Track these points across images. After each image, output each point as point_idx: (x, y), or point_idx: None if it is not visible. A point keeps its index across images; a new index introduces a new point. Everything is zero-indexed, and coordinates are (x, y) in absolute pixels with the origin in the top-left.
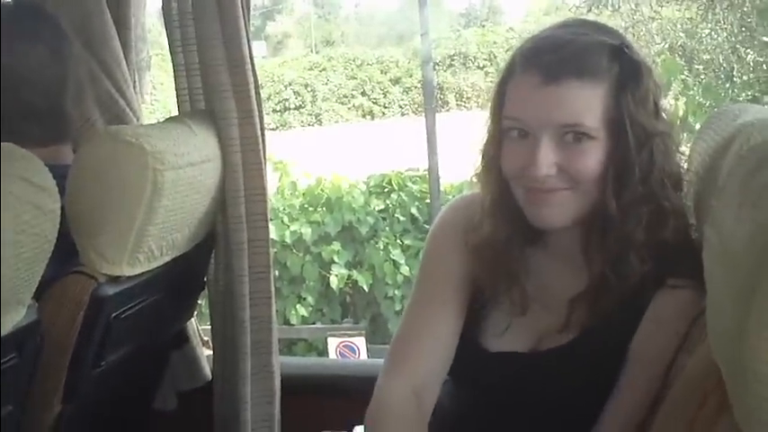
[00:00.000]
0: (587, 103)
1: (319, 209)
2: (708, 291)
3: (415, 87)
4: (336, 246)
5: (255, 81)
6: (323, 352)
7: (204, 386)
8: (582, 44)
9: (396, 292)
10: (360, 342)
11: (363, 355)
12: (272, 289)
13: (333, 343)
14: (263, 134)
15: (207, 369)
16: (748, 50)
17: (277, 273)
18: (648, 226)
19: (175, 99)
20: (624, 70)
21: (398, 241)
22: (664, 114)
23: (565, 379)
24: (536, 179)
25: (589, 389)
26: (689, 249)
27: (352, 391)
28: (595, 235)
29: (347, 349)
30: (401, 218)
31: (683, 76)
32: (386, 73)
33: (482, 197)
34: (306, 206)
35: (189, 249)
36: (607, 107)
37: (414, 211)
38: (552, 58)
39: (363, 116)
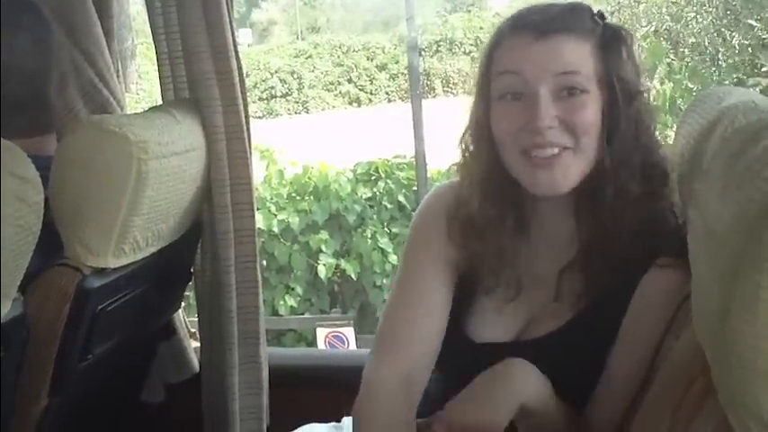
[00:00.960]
0: (579, 54)
1: (306, 197)
2: (693, 273)
3: (402, 74)
4: (324, 234)
5: (240, 68)
6: (312, 342)
7: (192, 378)
8: (565, 6)
9: (384, 280)
10: (348, 332)
11: (352, 346)
12: (259, 278)
13: (321, 333)
14: (247, 122)
15: (194, 360)
16: (733, 33)
17: (265, 263)
18: (641, 178)
19: (158, 88)
20: (606, 32)
21: (386, 229)
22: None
23: (552, 366)
24: (538, 131)
25: (575, 376)
26: (677, 230)
27: (340, 382)
28: (586, 199)
29: (336, 339)
30: (388, 205)
31: (668, 60)
32: (372, 59)
33: (468, 180)
34: (293, 195)
35: (175, 240)
36: (595, 63)
37: (401, 198)
38: (540, 17)
39: (350, 103)
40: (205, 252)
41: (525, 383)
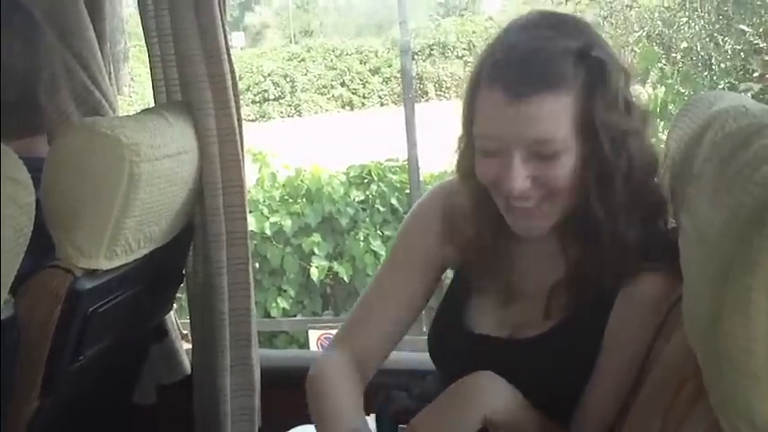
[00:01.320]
0: (556, 116)
1: (299, 200)
2: (684, 277)
3: (395, 77)
4: (316, 237)
5: (232, 71)
6: (304, 344)
7: (183, 380)
8: (547, 54)
9: None
10: None
11: None
12: (251, 281)
13: (314, 335)
14: (240, 125)
15: (186, 362)
16: (726, 39)
17: (257, 265)
18: (643, 222)
19: (151, 91)
20: (591, 73)
21: (378, 232)
22: (635, 101)
23: (543, 366)
24: (511, 193)
25: (567, 376)
26: (665, 235)
27: None
28: (571, 236)
29: (328, 342)
30: (381, 208)
31: (660, 65)
32: (365, 63)
33: (462, 192)
34: (286, 197)
35: (167, 242)
36: (577, 114)
37: (393, 201)
38: (517, 72)
39: (343, 106)
40: (197, 254)
41: (491, 395)
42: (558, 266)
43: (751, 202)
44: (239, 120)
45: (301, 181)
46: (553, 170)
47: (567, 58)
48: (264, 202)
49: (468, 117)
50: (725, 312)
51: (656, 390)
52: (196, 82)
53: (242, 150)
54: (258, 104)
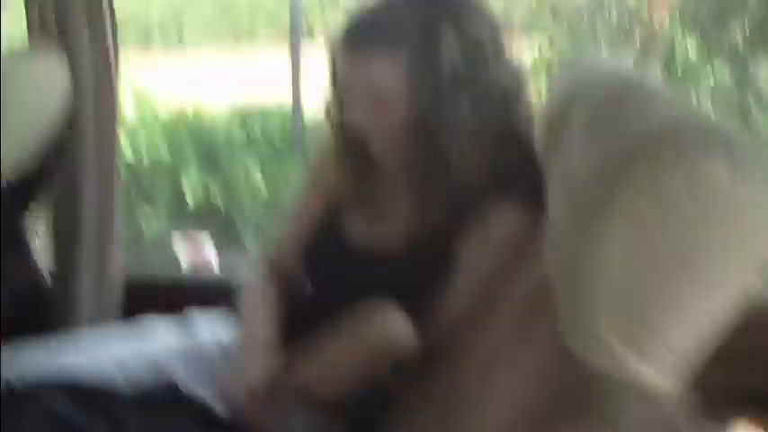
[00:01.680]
0: (389, 72)
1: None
2: (549, 212)
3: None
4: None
5: (110, 4)
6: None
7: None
8: (390, 17)
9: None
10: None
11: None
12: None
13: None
14: (116, 58)
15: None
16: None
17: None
18: (492, 162)
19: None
20: (428, 32)
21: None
22: (477, 61)
23: (402, 281)
24: (357, 131)
25: (426, 290)
26: (525, 171)
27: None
28: (416, 174)
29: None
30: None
31: (549, 33)
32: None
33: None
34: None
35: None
36: (409, 68)
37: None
38: (358, 35)
39: (230, 44)
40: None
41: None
42: (412, 201)
43: (618, 151)
44: (116, 53)
45: (183, 116)
46: (391, 116)
47: (412, 21)
48: (143, 136)
49: (333, 70)
50: (583, 248)
51: (511, 316)
52: (72, 15)
53: (117, 84)
54: (141, 39)
